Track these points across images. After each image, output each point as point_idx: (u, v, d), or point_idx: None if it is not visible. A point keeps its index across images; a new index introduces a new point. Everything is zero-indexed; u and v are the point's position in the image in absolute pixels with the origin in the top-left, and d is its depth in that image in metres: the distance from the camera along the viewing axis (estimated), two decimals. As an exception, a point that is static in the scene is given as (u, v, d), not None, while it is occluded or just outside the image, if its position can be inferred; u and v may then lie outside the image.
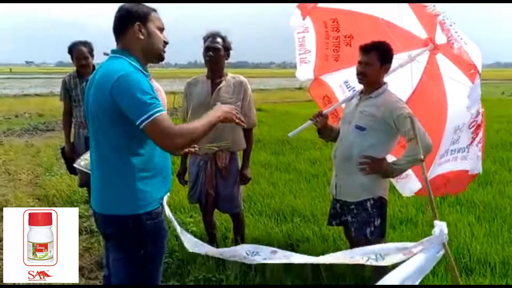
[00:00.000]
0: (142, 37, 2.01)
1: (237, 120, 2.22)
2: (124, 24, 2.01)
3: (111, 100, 1.86)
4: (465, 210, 4.76)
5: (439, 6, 2.78)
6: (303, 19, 3.63)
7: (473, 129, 2.78)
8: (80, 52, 4.18)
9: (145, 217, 2.03)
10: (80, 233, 4.26)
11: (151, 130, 1.85)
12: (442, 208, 4.75)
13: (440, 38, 2.94)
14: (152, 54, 2.08)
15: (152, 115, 1.83)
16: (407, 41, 3.22)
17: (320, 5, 3.51)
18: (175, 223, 2.93)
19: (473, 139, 2.85)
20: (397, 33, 3.23)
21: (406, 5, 3.08)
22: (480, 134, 2.87)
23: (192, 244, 2.72)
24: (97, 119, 1.97)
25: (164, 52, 2.12)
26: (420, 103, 3.23)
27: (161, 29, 2.09)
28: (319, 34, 3.74)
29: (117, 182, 2.00)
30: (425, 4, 2.77)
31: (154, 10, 2.07)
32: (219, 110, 2.13)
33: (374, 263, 2.10)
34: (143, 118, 1.82)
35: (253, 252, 2.32)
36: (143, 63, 2.06)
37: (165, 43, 2.11)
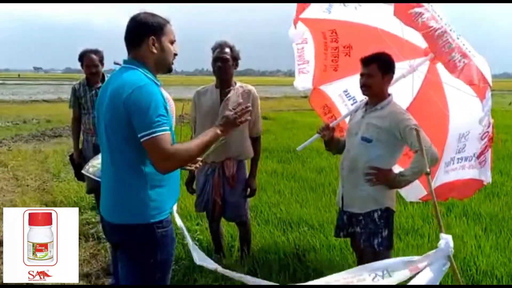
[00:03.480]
0: (155, 51, 2.04)
1: (242, 118, 2.21)
2: (139, 37, 2.03)
3: (124, 111, 1.89)
4: (471, 222, 4.73)
5: (446, 11, 2.76)
6: (295, 27, 3.66)
7: (486, 140, 2.78)
8: (90, 60, 4.22)
9: (156, 225, 2.05)
10: (87, 240, 4.30)
11: (148, 148, 1.89)
12: (449, 220, 4.73)
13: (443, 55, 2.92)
14: (163, 66, 2.12)
15: (153, 133, 1.86)
16: (407, 50, 3.24)
17: (318, 16, 3.53)
18: (188, 237, 2.96)
19: (485, 149, 2.85)
20: (396, 43, 3.26)
21: None
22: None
23: (202, 259, 2.78)
24: (110, 128, 1.99)
25: (173, 63, 2.16)
26: (421, 111, 3.24)
27: (173, 42, 2.12)
28: (318, 45, 3.78)
29: (129, 191, 2.02)
30: (431, 25, 2.71)
31: (168, 22, 2.09)
32: (217, 127, 2.15)
33: (381, 281, 2.09)
34: (144, 133, 1.86)
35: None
36: (154, 73, 2.09)
37: (175, 55, 2.15)
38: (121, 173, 2.02)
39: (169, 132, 1.93)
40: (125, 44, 2.08)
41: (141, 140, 1.87)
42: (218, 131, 2.14)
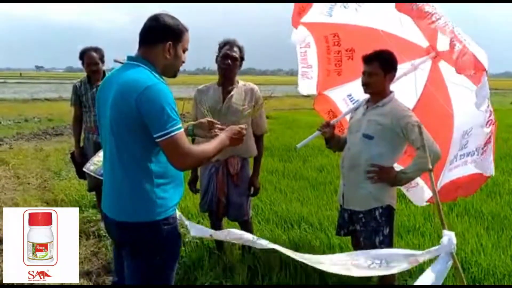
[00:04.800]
0: (168, 56, 2.04)
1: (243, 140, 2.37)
2: (157, 37, 2.02)
3: (135, 109, 1.87)
4: (473, 221, 4.71)
5: (441, 7, 2.75)
6: (295, 28, 3.65)
7: (491, 127, 2.76)
8: (91, 58, 4.23)
9: (162, 223, 2.04)
10: (88, 238, 4.29)
11: (166, 147, 1.90)
12: (450, 218, 4.72)
13: (442, 45, 2.91)
14: (170, 72, 2.12)
15: (171, 132, 1.87)
16: (409, 51, 3.23)
17: (320, 20, 3.53)
18: (181, 215, 2.99)
19: (490, 138, 2.83)
20: (398, 44, 3.25)
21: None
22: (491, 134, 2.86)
23: (197, 230, 2.88)
24: (116, 125, 1.97)
25: (179, 70, 2.17)
26: (426, 111, 3.24)
27: (185, 50, 2.13)
28: (320, 49, 3.78)
29: (134, 188, 2.00)
30: (426, 10, 2.71)
31: (187, 30, 2.10)
32: (226, 137, 2.23)
33: (377, 269, 2.09)
34: (161, 133, 1.87)
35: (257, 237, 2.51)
36: (160, 74, 2.07)
37: (182, 62, 2.15)
38: (126, 171, 2.00)
39: (183, 129, 1.96)
40: (139, 38, 2.07)
41: (159, 139, 1.88)
42: (228, 142, 2.22)
